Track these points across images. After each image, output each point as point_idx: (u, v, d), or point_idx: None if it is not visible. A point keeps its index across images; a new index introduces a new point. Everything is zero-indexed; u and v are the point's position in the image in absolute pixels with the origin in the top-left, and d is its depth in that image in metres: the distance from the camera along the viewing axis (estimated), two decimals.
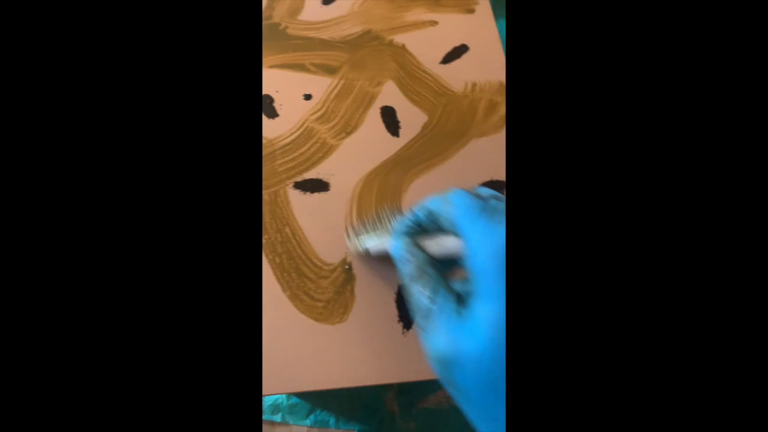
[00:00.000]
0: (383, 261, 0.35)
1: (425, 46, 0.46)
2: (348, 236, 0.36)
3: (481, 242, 0.23)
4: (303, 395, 1.11)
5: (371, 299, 0.35)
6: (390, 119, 0.42)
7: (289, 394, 1.09)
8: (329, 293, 0.35)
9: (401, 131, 0.41)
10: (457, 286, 0.25)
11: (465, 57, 0.45)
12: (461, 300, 0.24)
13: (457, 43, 0.46)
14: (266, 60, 0.44)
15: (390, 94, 0.43)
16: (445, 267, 0.27)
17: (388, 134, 0.41)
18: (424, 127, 0.42)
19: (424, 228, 0.28)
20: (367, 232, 0.35)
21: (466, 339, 0.22)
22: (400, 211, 0.37)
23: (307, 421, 1.04)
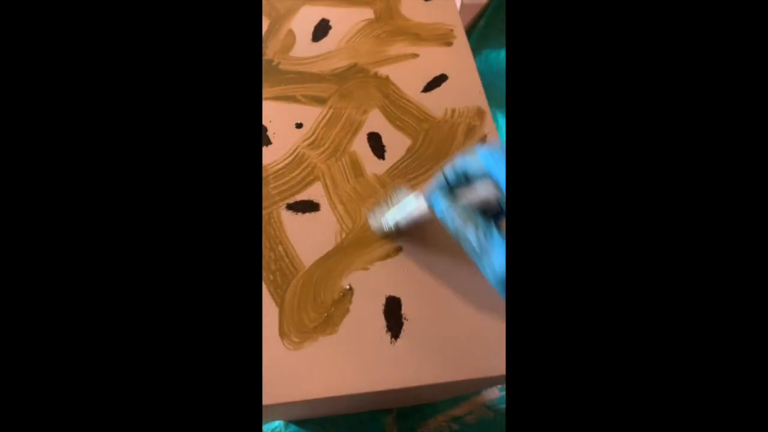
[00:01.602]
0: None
1: (408, 76, 0.49)
2: (372, 217, 0.39)
3: None
4: (301, 423, 1.10)
5: (361, 311, 0.36)
6: (376, 144, 0.45)
7: (287, 422, 1.08)
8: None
9: (386, 154, 0.44)
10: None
11: (444, 86, 0.49)
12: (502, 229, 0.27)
13: (437, 73, 0.49)
14: (262, 92, 0.48)
15: (376, 121, 0.46)
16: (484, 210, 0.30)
17: (375, 157, 0.44)
18: (408, 150, 0.45)
19: (454, 185, 0.32)
20: (387, 207, 0.38)
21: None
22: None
23: None
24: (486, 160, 0.29)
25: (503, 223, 0.28)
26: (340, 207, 0.41)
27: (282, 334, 0.35)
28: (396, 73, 0.49)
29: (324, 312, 0.36)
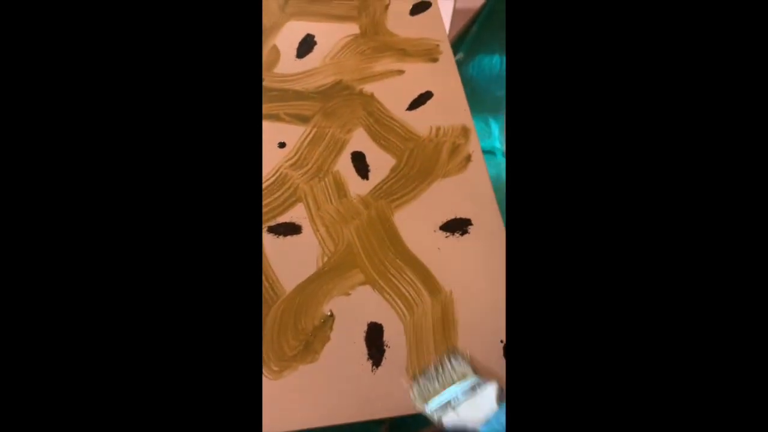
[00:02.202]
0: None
1: (392, 93, 0.49)
2: (413, 394, 0.33)
3: None
4: None
5: (342, 338, 0.36)
6: (360, 164, 0.44)
7: None
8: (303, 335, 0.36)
9: (370, 174, 0.44)
10: None
11: (429, 103, 0.48)
12: None
13: (422, 90, 0.49)
14: None
15: (360, 140, 0.46)
16: None
17: (358, 177, 0.43)
18: (393, 170, 0.44)
19: None
20: (432, 386, 0.32)
21: None
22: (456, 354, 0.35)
23: None
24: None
25: None
26: (322, 229, 0.40)
27: (262, 362, 0.35)
28: (381, 91, 0.49)
29: (304, 339, 0.36)
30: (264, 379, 0.34)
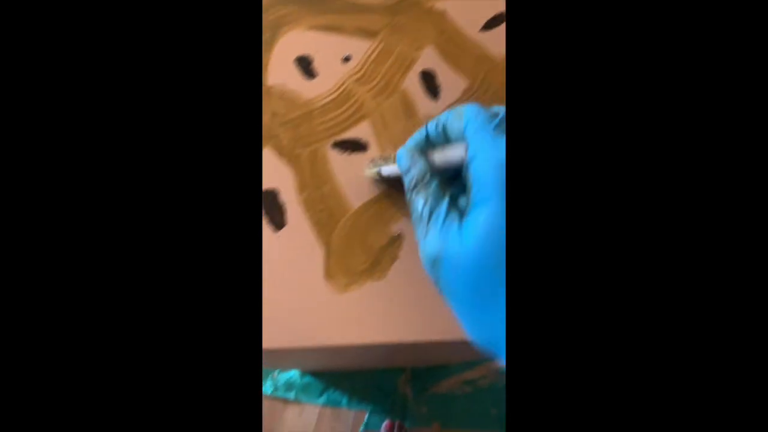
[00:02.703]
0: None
1: (466, 12, 0.45)
2: (367, 167, 0.36)
3: (486, 152, 0.23)
4: (317, 375, 1.11)
5: (409, 259, 0.34)
6: (429, 83, 0.41)
7: (303, 373, 1.09)
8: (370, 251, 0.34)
9: (441, 95, 0.41)
10: (458, 195, 0.27)
11: (505, 25, 0.44)
12: (457, 208, 0.25)
13: (498, 11, 0.45)
14: (306, 21, 0.44)
15: (430, 59, 0.43)
16: (447, 176, 0.28)
17: (428, 97, 0.40)
18: (465, 92, 0.41)
19: (432, 142, 0.29)
20: (384, 162, 0.35)
21: (453, 240, 0.23)
22: None
23: (320, 400, 1.05)
24: (469, 122, 0.26)
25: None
26: (390, 149, 0.38)
27: (328, 276, 0.33)
28: (453, 9, 0.45)
29: (373, 256, 0.34)
30: (329, 293, 0.33)
